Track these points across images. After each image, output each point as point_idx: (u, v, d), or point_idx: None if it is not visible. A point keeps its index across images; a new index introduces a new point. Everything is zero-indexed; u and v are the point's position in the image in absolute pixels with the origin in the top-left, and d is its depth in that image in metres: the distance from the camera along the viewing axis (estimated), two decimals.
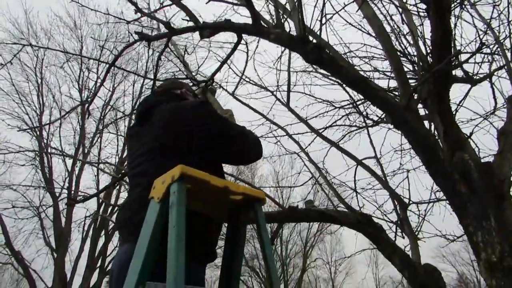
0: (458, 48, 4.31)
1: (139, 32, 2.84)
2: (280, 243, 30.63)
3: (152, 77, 4.04)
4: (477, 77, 4.56)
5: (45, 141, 14.62)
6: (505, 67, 4.43)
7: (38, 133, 14.47)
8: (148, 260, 1.18)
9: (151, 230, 1.20)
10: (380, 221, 4.81)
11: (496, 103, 4.62)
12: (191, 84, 3.71)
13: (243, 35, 3.12)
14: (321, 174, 4.28)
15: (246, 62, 4.14)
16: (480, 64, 4.61)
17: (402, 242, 4.34)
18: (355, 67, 4.53)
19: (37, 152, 13.77)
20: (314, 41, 2.96)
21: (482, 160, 3.71)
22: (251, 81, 4.80)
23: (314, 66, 4.77)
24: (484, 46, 4.26)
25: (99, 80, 13.90)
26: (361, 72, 4.50)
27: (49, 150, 14.18)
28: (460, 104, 4.58)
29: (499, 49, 4.57)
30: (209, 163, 1.60)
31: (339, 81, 4.31)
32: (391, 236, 4.62)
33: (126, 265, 1.29)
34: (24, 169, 13.40)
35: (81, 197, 4.85)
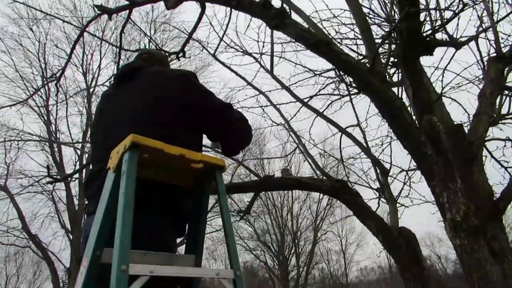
0: (442, 7, 4.19)
1: (99, 6, 2.83)
2: (291, 218, 31.04)
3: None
4: (462, 40, 4.44)
5: (53, 126, 14.84)
6: (491, 28, 4.30)
7: (45, 118, 14.69)
8: (105, 227, 1.23)
9: (107, 199, 1.25)
10: (364, 188, 4.85)
11: (484, 66, 4.50)
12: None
13: (206, 4, 3.09)
14: (300, 143, 4.29)
15: (227, 25, 4.10)
16: (465, 26, 4.49)
17: (385, 208, 4.38)
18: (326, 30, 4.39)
19: (45, 143, 13.99)
20: (278, 5, 2.91)
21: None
22: (235, 46, 4.76)
23: None
24: (467, 6, 4.11)
25: (103, 62, 13.92)
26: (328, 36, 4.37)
27: (57, 136, 14.41)
28: (446, 69, 4.50)
29: (485, 11, 4.43)
30: (195, 134, 1.66)
31: None
32: (375, 203, 4.67)
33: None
34: (36, 154, 13.70)
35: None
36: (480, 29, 4.57)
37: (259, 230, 30.55)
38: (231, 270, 1.31)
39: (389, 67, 3.30)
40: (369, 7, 3.41)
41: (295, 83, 4.83)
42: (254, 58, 4.86)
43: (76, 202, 14.41)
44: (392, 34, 3.13)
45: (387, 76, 3.21)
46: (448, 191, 2.90)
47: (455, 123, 3.47)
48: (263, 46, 4.95)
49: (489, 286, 2.67)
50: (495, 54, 4.08)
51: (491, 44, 4.16)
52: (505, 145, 4.46)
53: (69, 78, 14.98)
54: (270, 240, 30.81)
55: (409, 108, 3.27)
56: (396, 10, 3.40)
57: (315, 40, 2.88)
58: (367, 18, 3.40)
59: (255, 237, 29.44)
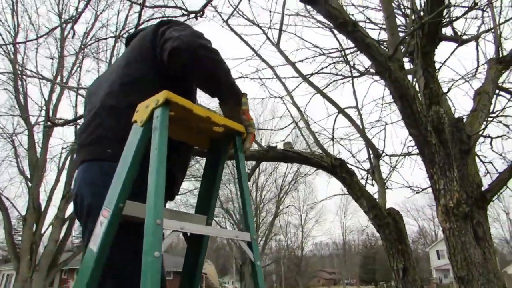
0: (452, 6, 4.34)
1: None
2: (256, 189, 31.70)
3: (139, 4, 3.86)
4: (465, 38, 4.64)
5: (19, 63, 13.94)
6: (492, 30, 4.51)
7: (12, 55, 13.78)
8: (129, 180, 1.23)
9: (133, 153, 1.24)
10: (354, 168, 5.07)
11: (478, 65, 4.74)
12: (180, 14, 3.64)
13: None
14: (303, 118, 4.40)
15: None
16: (469, 24, 4.67)
17: (371, 190, 4.62)
18: (350, 14, 4.51)
19: (10, 74, 13.18)
20: None
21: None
22: (244, 16, 4.70)
23: (308, 8, 4.70)
24: (476, 7, 4.29)
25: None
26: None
27: (24, 73, 13.55)
28: (444, 63, 4.70)
29: (489, 11, 4.62)
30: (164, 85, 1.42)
31: (331, 27, 4.29)
32: (363, 183, 4.90)
33: (94, 182, 1.36)
34: None
35: (62, 120, 4.76)
36: (481, 29, 4.78)
37: (223, 197, 31.04)
38: (248, 233, 1.36)
39: (406, 57, 3.43)
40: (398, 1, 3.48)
41: (301, 60, 4.86)
42: (262, 30, 4.83)
43: (38, 150, 13.92)
44: (413, 27, 3.23)
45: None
46: (445, 179, 3.13)
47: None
48: (272, 16, 4.87)
49: (471, 266, 2.97)
50: (494, 56, 4.31)
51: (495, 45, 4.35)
52: (484, 141, 4.80)
53: (42, 16, 13.97)
54: (233, 209, 31.45)
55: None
56: (419, 2, 3.50)
57: (344, 19, 2.93)
58: (393, 4, 3.47)
59: (218, 204, 29.98)
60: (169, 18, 2.04)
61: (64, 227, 13.54)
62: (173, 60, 1.40)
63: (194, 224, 1.34)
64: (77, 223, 13.71)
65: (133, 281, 1.14)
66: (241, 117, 1.51)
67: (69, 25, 12.85)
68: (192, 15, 3.59)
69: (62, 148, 13.84)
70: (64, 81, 14.26)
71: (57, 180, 14.10)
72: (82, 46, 13.80)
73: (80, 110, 13.33)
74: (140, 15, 3.19)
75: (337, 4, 2.94)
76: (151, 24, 1.67)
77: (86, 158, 1.45)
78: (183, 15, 3.55)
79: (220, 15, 4.61)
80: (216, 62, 1.43)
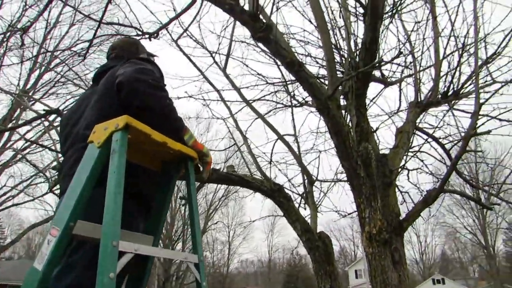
0: (381, 50, 4.91)
1: None
2: (185, 203, 31.11)
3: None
4: (391, 80, 5.25)
5: None
6: (413, 76, 5.16)
7: None
8: (82, 200, 1.24)
9: (88, 173, 1.25)
10: (289, 192, 5.37)
11: (400, 105, 5.38)
12: (135, 34, 3.68)
13: None
14: (245, 142, 4.60)
15: (195, 17, 4.17)
16: (395, 70, 5.31)
17: (303, 213, 4.94)
18: (291, 47, 4.89)
19: None
20: (264, 20, 3.17)
21: (381, 152, 4.39)
22: (192, 37, 4.82)
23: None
24: (401, 55, 4.89)
25: None
26: (295, 54, 4.89)
27: None
28: (373, 101, 5.27)
29: (412, 59, 5.28)
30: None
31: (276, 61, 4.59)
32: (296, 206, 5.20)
33: None
34: None
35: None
36: (404, 74, 5.44)
37: None
38: (196, 255, 1.47)
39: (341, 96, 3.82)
40: (335, 42, 3.88)
41: (247, 87, 5.10)
42: (210, 54, 4.99)
43: None
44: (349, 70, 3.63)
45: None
46: (370, 208, 3.52)
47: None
48: (221, 40, 5.07)
49: None
50: (414, 99, 4.93)
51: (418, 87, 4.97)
52: (402, 173, 5.40)
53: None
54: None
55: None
56: (355, 46, 3.93)
57: (291, 59, 3.22)
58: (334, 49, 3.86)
59: None
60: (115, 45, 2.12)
61: None
62: (119, 93, 1.50)
63: (148, 246, 1.42)
64: None
65: None
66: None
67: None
68: (146, 36, 3.64)
69: None
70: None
71: None
72: (4, 40, 12.75)
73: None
74: (96, 31, 3.19)
75: (285, 45, 3.23)
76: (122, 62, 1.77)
77: None
78: (138, 35, 3.60)
79: (170, 35, 4.69)
80: (155, 97, 1.48)
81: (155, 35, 3.65)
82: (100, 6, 13.10)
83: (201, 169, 1.76)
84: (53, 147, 4.92)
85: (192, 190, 1.64)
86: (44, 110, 3.82)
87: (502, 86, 4.39)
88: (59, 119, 4.38)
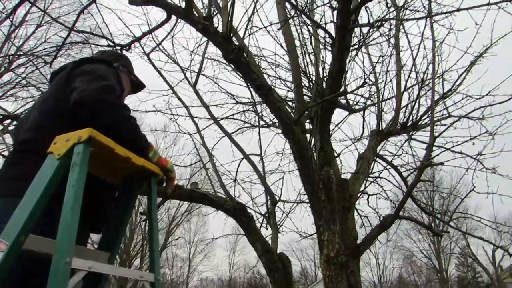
0: (348, 78, 5.12)
1: None
2: (146, 218, 30.23)
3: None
4: (355, 108, 5.48)
5: None
6: (376, 105, 5.41)
7: None
8: (36, 213, 1.19)
9: (45, 184, 1.21)
10: (251, 211, 5.40)
11: (363, 132, 5.60)
12: (106, 45, 3.66)
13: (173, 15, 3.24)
14: (211, 160, 4.62)
15: (168, 33, 4.20)
16: (359, 99, 5.55)
17: (265, 233, 4.97)
18: (262, 69, 5.02)
19: None
20: (237, 42, 3.25)
21: (343, 176, 4.54)
22: (165, 51, 4.83)
23: None
24: (366, 85, 5.14)
25: None
26: (265, 76, 5.03)
27: None
28: (338, 126, 5.46)
29: (375, 90, 5.54)
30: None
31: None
32: (258, 226, 5.23)
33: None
34: None
35: None
36: (368, 103, 5.69)
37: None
38: (152, 274, 1.45)
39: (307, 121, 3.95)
40: (305, 66, 4.04)
41: (216, 105, 5.16)
42: (182, 69, 5.02)
43: None
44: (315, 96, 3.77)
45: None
46: (329, 231, 3.61)
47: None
48: (193, 57, 5.11)
49: None
50: (375, 127, 5.16)
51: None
52: (362, 197, 5.59)
53: None
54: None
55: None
56: (322, 71, 4.10)
57: (261, 83, 3.31)
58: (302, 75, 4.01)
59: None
60: (92, 55, 2.10)
61: None
62: (77, 110, 1.45)
63: (102, 264, 1.38)
64: None
65: None
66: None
67: None
68: (118, 48, 3.63)
69: None
70: None
71: None
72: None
73: None
74: (65, 39, 3.15)
75: (256, 68, 3.32)
76: (72, 62, 1.73)
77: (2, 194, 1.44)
78: (109, 46, 3.58)
79: (143, 48, 4.68)
80: (119, 118, 1.47)
81: (127, 47, 3.65)
82: (70, 8, 12.79)
83: (165, 184, 1.76)
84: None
85: (153, 207, 1.63)
86: (1, 115, 3.69)
87: (454, 122, 4.69)
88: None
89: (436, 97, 5.03)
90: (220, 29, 3.24)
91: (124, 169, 1.55)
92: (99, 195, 1.61)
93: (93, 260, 1.25)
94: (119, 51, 3.67)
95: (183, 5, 3.09)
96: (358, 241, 3.88)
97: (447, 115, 5.20)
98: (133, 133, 1.54)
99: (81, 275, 1.18)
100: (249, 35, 3.11)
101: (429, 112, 4.59)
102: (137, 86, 2.13)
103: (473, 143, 4.57)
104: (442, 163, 3.62)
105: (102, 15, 3.42)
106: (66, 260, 1.09)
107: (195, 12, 3.21)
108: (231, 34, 3.14)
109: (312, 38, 4.18)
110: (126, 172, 1.60)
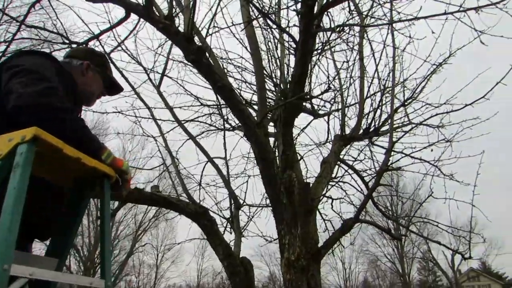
0: (313, 83, 5.19)
1: None
2: (112, 224, 29.38)
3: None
4: (320, 112, 5.54)
5: None
6: (340, 111, 5.50)
7: None
8: None
9: None
10: (215, 215, 5.32)
11: (328, 136, 5.67)
12: (61, 42, 3.52)
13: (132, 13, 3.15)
14: (173, 163, 4.52)
15: (131, 31, 4.08)
16: (323, 103, 5.63)
17: (229, 237, 4.91)
18: (228, 72, 4.99)
19: None
20: (199, 42, 3.20)
21: (308, 180, 4.56)
22: (127, 51, 4.70)
23: None
24: (330, 90, 5.21)
25: None
26: (231, 79, 5.01)
27: None
28: (303, 130, 5.51)
29: (339, 95, 5.64)
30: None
31: None
32: (222, 230, 5.17)
33: None
34: None
35: None
36: (332, 108, 5.77)
37: None
38: (103, 281, 1.39)
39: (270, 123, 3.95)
40: (270, 70, 4.04)
41: (180, 107, 5.07)
42: (145, 71, 4.91)
43: None
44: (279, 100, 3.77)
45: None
46: (290, 235, 3.61)
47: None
48: (157, 59, 5.01)
49: None
50: (339, 132, 5.23)
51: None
52: (326, 201, 5.65)
53: None
54: (82, 243, 28.35)
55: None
56: (287, 72, 4.12)
57: (223, 84, 3.27)
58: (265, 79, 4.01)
59: None
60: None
61: None
62: (15, 115, 1.35)
63: (45, 270, 1.29)
64: None
65: None
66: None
67: None
68: (74, 45, 3.50)
69: None
70: None
71: None
72: None
73: None
74: (15, 34, 2.99)
75: (219, 70, 3.29)
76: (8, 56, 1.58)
77: None
78: (64, 43, 3.44)
79: (103, 47, 4.54)
80: (63, 122, 1.39)
81: (84, 45, 3.52)
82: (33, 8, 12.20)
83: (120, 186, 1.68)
84: None
85: (106, 210, 1.55)
86: None
87: (412, 128, 4.83)
88: None
89: (397, 104, 5.19)
90: (182, 29, 3.18)
91: (75, 171, 1.46)
92: (46, 199, 1.52)
93: (36, 267, 1.18)
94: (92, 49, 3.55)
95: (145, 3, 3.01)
96: (319, 245, 3.90)
97: (407, 122, 5.36)
98: (83, 136, 1.45)
99: (21, 282, 1.12)
100: (211, 34, 3.07)
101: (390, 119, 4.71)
102: (113, 87, 2.03)
103: (431, 150, 4.73)
104: (400, 168, 3.70)
105: (54, 9, 3.25)
106: (3, 267, 1.03)
107: (156, 11, 3.14)
108: (193, 34, 3.09)
109: (278, 42, 4.20)
110: (77, 174, 1.52)
